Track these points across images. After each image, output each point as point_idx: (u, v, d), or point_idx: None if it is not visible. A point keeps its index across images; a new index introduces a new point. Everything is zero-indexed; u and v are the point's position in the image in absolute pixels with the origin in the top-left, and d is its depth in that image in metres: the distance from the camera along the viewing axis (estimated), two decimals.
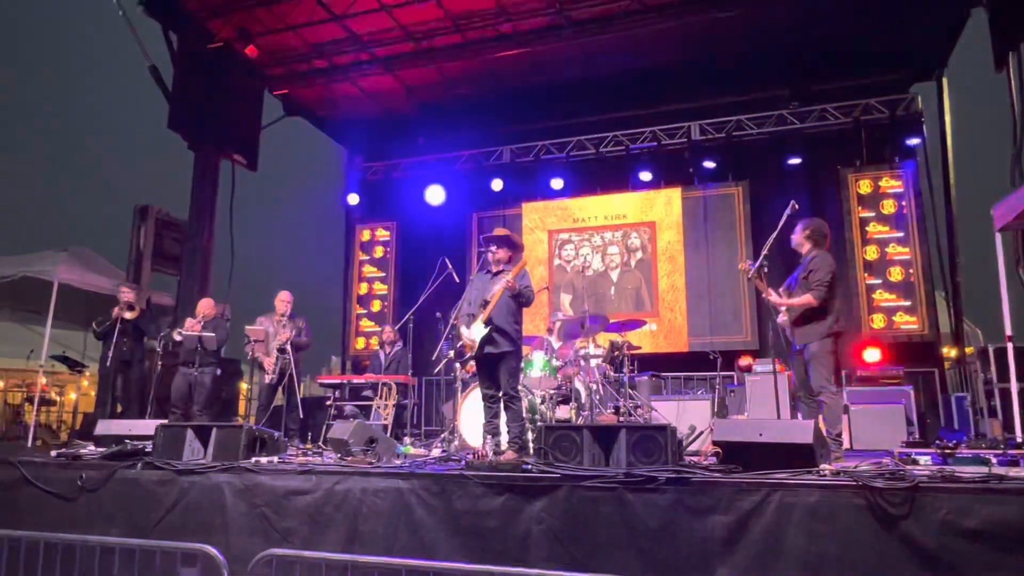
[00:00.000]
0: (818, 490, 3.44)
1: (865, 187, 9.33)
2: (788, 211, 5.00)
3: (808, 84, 9.74)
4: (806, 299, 4.96)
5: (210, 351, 7.21)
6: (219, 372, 7.39)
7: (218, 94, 9.05)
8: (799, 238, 5.26)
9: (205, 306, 7.51)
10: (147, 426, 5.42)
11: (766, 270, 4.99)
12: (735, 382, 8.75)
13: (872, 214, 9.24)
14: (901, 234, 9.11)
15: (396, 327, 8.33)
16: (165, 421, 5.68)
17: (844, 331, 5.24)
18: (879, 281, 9.08)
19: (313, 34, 9.37)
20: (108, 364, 7.24)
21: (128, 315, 7.30)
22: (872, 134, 9.56)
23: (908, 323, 8.89)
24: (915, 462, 3.96)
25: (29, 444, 7.65)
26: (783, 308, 5.14)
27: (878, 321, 9.00)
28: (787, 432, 3.94)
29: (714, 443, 4.12)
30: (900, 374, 7.92)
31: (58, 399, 10.59)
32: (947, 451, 3.94)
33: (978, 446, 4.20)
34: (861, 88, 9.59)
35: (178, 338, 7.14)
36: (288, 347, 7.03)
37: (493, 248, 5.42)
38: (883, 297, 9.03)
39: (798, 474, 3.64)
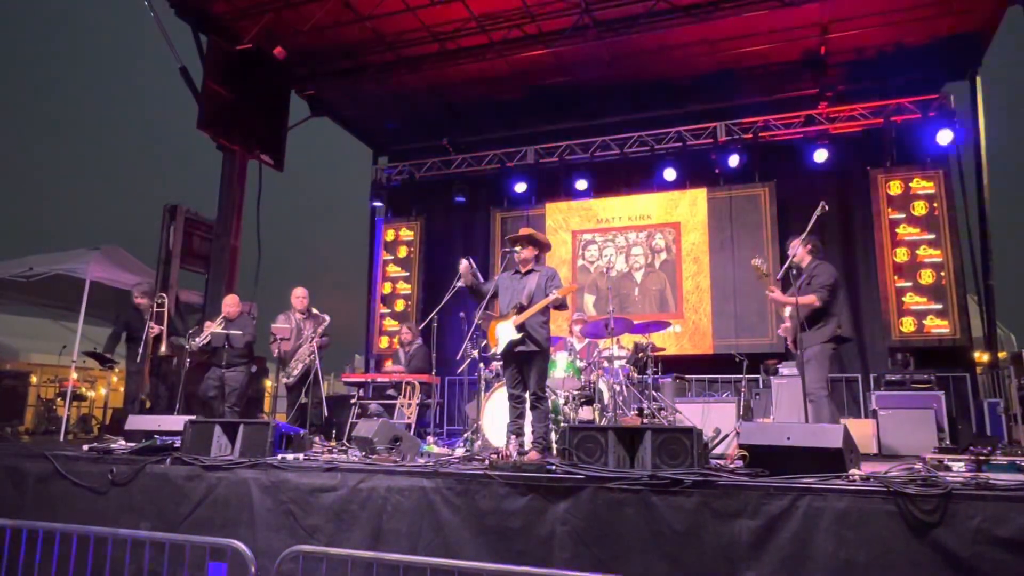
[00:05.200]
0: (847, 496, 3.40)
1: (895, 188, 9.17)
2: (818, 212, 4.94)
3: (837, 83, 9.61)
4: (809, 299, 5.12)
5: (239, 349, 7.28)
6: (255, 369, 7.43)
7: (246, 95, 9.15)
8: (802, 253, 5.41)
9: (230, 303, 7.55)
10: (176, 422, 5.50)
11: (795, 272, 4.93)
12: (760, 385, 8.66)
13: (902, 215, 9.08)
14: (932, 236, 8.94)
15: (420, 326, 8.36)
16: (194, 417, 5.76)
17: (847, 338, 5.25)
18: (909, 284, 8.92)
19: (339, 35, 9.44)
20: (139, 361, 7.36)
21: (154, 331, 7.39)
22: (903, 134, 9.40)
23: (939, 327, 8.73)
24: (947, 468, 3.88)
25: (61, 438, 7.80)
26: (786, 316, 5.27)
27: (908, 325, 8.84)
28: (816, 436, 3.88)
29: (740, 446, 4.08)
30: (931, 379, 7.77)
31: (89, 395, 10.79)
32: (981, 458, 3.86)
33: (1013, 453, 4.11)
34: (892, 87, 9.44)
35: (204, 341, 7.19)
36: (315, 348, 7.09)
37: (518, 248, 5.42)
38: (913, 300, 8.87)
39: (827, 479, 3.59)
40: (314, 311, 7.46)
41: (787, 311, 5.41)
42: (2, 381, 9.62)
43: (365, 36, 9.46)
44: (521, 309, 5.15)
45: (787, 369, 7.97)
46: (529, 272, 5.36)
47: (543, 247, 5.57)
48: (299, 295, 7.42)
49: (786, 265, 4.97)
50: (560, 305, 5.20)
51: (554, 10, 8.80)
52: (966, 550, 3.14)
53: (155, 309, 7.44)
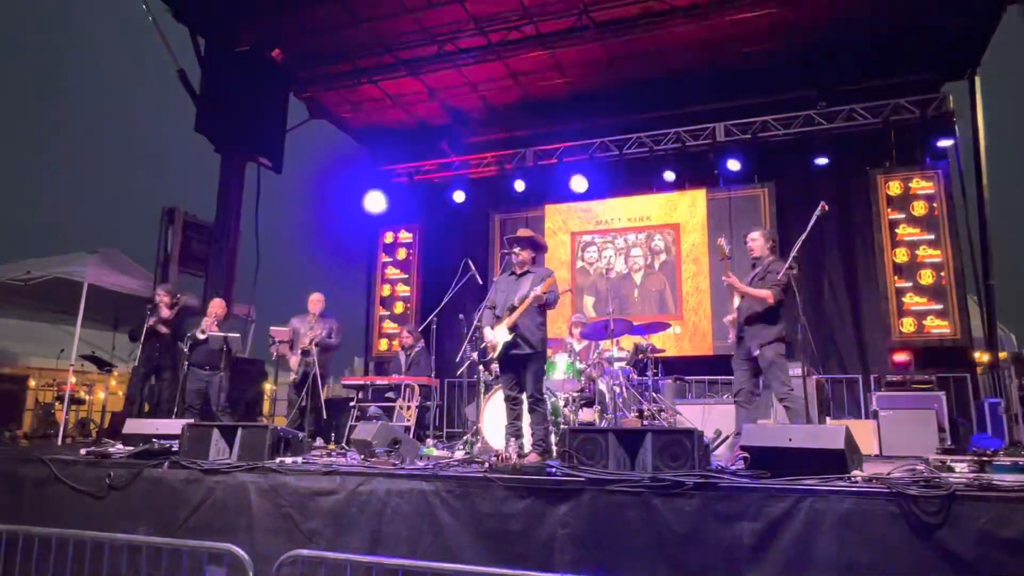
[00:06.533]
0: (850, 497, 3.37)
1: (895, 188, 9.15)
2: (818, 212, 4.93)
3: (836, 84, 9.58)
4: (764, 292, 5.23)
5: (234, 352, 7.27)
6: (228, 374, 7.44)
7: (244, 97, 9.12)
8: (763, 246, 5.56)
9: (217, 306, 7.55)
10: (174, 425, 5.47)
11: (795, 272, 4.92)
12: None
13: (902, 216, 9.06)
14: (932, 236, 8.92)
15: (419, 328, 8.34)
16: (191, 421, 5.73)
17: (791, 341, 5.32)
18: (909, 284, 8.90)
19: (337, 37, 9.43)
20: (139, 365, 7.32)
21: (164, 330, 7.35)
22: (902, 135, 9.38)
23: (939, 327, 8.70)
24: (950, 469, 3.86)
25: (59, 442, 7.77)
26: (734, 307, 5.43)
27: (908, 325, 8.82)
28: (817, 438, 3.86)
29: (742, 448, 4.05)
30: (931, 379, 7.75)
31: (87, 398, 10.75)
32: (984, 458, 3.83)
33: (1016, 454, 4.09)
34: (891, 88, 9.41)
35: (201, 336, 7.17)
36: (313, 348, 7.06)
37: (517, 250, 5.41)
38: (913, 300, 8.85)
39: (829, 480, 3.56)
40: (321, 315, 7.47)
41: (736, 302, 5.47)
42: (0, 385, 9.59)
43: (363, 38, 9.45)
44: (513, 311, 5.14)
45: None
46: (525, 273, 5.36)
47: (539, 248, 5.57)
48: (314, 299, 7.47)
49: (786, 265, 4.95)
50: (548, 303, 5.18)
51: (552, 11, 8.79)
52: (970, 552, 3.12)
53: (174, 305, 7.45)
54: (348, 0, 8.66)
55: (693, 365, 9.36)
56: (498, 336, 5.17)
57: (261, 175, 9.59)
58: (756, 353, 5.26)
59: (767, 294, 5.19)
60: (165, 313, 7.31)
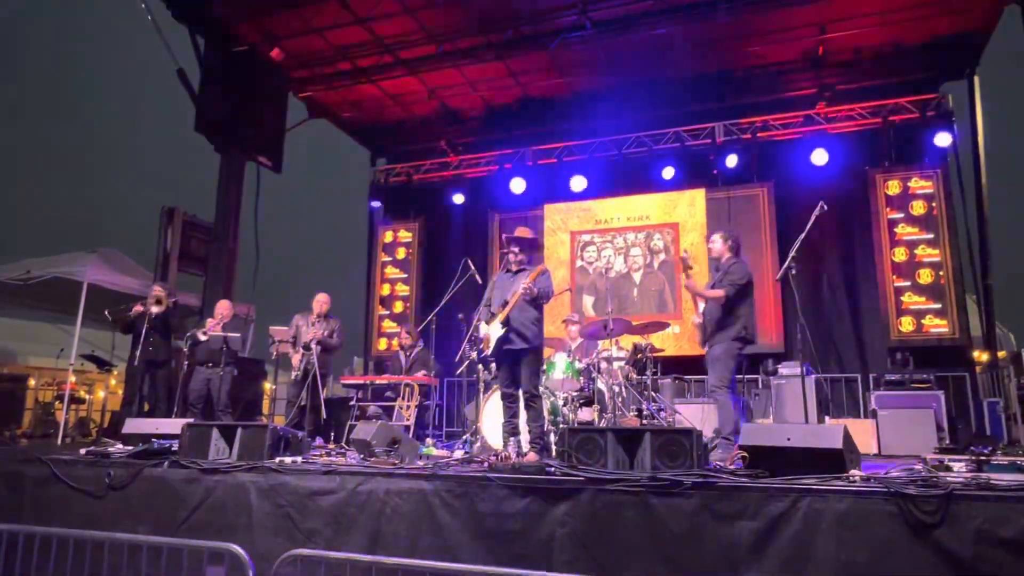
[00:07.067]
0: (848, 496, 3.38)
1: (894, 188, 9.16)
2: (817, 212, 4.94)
3: (836, 84, 9.60)
4: (717, 292, 5.31)
5: (233, 351, 7.29)
6: (236, 372, 7.45)
7: (244, 97, 9.13)
8: (722, 248, 5.57)
9: (223, 307, 7.59)
10: (174, 425, 5.48)
11: (794, 272, 4.92)
12: (760, 385, 8.65)
13: (901, 215, 9.07)
14: (931, 235, 8.92)
15: (419, 328, 8.34)
16: (191, 420, 5.74)
17: (752, 340, 5.34)
18: (908, 283, 8.90)
19: (337, 37, 9.43)
20: (136, 363, 7.33)
21: (155, 309, 7.36)
22: (901, 134, 9.40)
23: (938, 326, 8.71)
24: (948, 468, 3.87)
25: (59, 442, 7.77)
26: (699, 312, 5.50)
27: (907, 324, 8.83)
28: (816, 437, 3.87)
29: (740, 447, 4.06)
30: (930, 379, 7.76)
31: (87, 397, 10.76)
32: (982, 458, 3.84)
33: (1014, 453, 4.10)
34: (890, 87, 9.44)
35: (203, 337, 7.20)
36: (313, 345, 7.07)
37: (515, 250, 5.43)
38: (912, 300, 8.86)
39: (827, 480, 3.57)
40: (325, 315, 7.48)
41: (701, 307, 5.51)
42: (0, 384, 9.59)
43: (363, 38, 9.45)
44: (506, 304, 5.17)
45: (786, 369, 7.97)
46: (520, 271, 5.38)
47: (536, 246, 5.60)
48: (319, 300, 7.43)
49: (785, 266, 4.96)
50: (541, 296, 5.18)
51: (551, 11, 8.79)
52: (968, 551, 3.12)
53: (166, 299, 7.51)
54: (348, 0, 8.66)
55: (692, 364, 9.34)
56: (492, 330, 5.19)
57: (261, 175, 9.60)
58: (705, 350, 5.34)
59: (720, 293, 5.28)
60: (157, 292, 7.38)
